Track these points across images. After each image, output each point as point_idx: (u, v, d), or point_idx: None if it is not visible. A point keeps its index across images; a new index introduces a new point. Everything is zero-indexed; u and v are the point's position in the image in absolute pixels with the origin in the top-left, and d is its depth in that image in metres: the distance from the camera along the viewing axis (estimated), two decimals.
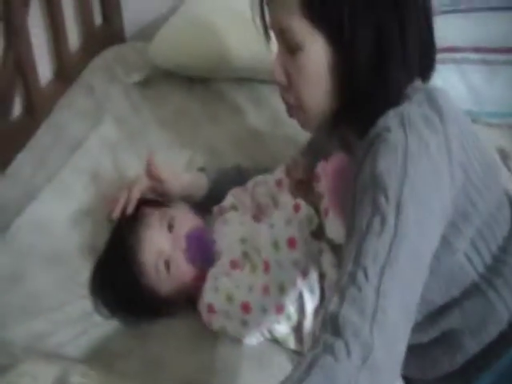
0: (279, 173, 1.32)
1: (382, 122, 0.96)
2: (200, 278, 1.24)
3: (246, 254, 1.23)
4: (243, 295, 1.17)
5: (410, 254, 0.86)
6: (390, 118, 0.95)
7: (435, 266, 0.93)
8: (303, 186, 1.23)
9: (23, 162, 1.62)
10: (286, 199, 1.20)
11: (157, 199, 1.38)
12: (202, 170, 1.47)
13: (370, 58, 0.97)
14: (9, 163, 1.62)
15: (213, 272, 1.23)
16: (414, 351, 0.92)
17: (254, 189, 1.36)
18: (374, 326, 0.79)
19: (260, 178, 1.37)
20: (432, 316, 1.07)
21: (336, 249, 1.16)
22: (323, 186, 1.19)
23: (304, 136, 1.58)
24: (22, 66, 1.75)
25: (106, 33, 2.32)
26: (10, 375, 1.00)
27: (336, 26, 0.96)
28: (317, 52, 0.99)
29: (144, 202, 1.33)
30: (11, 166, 1.60)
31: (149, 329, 1.24)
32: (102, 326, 1.23)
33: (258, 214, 1.32)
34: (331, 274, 1.16)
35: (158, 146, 1.69)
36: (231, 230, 1.28)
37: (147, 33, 2.28)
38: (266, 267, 1.16)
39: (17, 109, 1.78)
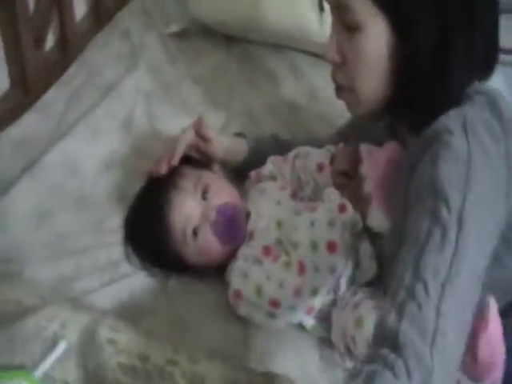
0: (321, 156, 1.27)
1: (442, 122, 0.91)
2: (227, 254, 1.22)
3: (279, 242, 1.19)
4: (273, 291, 1.12)
5: (469, 272, 0.83)
6: (452, 120, 0.91)
7: (485, 280, 0.90)
8: (347, 183, 1.19)
9: (54, 97, 1.58)
10: (332, 194, 1.15)
11: (197, 158, 1.34)
12: (240, 135, 1.43)
13: (433, 50, 0.92)
14: (39, 97, 1.59)
15: (244, 252, 1.19)
16: None
17: (294, 160, 1.32)
18: (434, 350, 0.77)
19: (301, 149, 1.32)
20: None
21: (373, 237, 1.14)
22: (368, 171, 1.16)
23: (338, 114, 1.59)
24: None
25: None
26: (39, 317, 0.98)
27: (402, 11, 0.91)
28: (377, 35, 0.93)
29: (184, 160, 1.29)
30: (42, 100, 1.57)
31: (176, 289, 1.22)
32: (130, 277, 1.20)
33: (297, 190, 1.29)
34: (367, 264, 1.14)
35: (192, 102, 1.66)
36: (268, 209, 1.23)
37: None
38: (301, 268, 1.11)
39: (49, 42, 1.74)
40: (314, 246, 1.11)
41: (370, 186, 1.14)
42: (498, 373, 0.96)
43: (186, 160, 1.29)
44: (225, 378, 0.97)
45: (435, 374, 0.76)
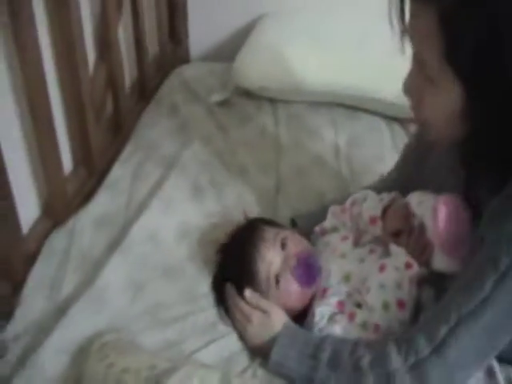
0: (374, 208, 1.35)
1: None
2: (306, 302, 1.31)
3: (350, 295, 1.27)
4: None
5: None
6: None
7: None
8: (400, 238, 1.27)
9: (119, 174, 1.68)
10: (398, 253, 1.23)
11: (274, 221, 1.45)
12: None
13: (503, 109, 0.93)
14: (104, 174, 1.69)
15: (321, 311, 1.25)
16: None
17: (352, 208, 1.41)
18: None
19: (357, 196, 1.42)
20: None
21: (436, 277, 1.21)
22: (427, 220, 1.22)
23: (388, 154, 1.71)
24: (113, 77, 1.83)
25: (174, 52, 2.39)
26: (180, 377, 1.04)
27: (475, 80, 0.91)
28: (450, 96, 0.95)
29: (259, 220, 1.41)
30: (109, 178, 1.67)
31: None
32: (228, 336, 1.28)
33: (359, 238, 1.38)
34: (429, 306, 1.21)
35: (247, 166, 1.77)
36: (334, 264, 1.32)
37: (212, 54, 2.38)
38: (377, 329, 1.19)
39: (105, 120, 1.84)
40: (386, 306, 1.20)
41: (430, 232, 1.20)
42: (465, 247, 1.10)
43: (264, 221, 1.41)
44: None
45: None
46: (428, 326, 1.05)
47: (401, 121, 1.97)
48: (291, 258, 1.31)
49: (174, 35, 2.40)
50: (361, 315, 1.22)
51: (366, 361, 1.09)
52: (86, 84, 1.59)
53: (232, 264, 1.35)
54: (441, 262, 1.18)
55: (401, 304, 1.19)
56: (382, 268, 1.24)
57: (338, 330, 1.22)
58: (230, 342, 1.27)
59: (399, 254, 1.23)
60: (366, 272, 1.27)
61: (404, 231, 1.26)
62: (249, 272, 1.30)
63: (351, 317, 1.23)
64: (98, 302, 1.30)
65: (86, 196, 1.63)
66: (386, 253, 1.28)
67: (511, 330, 1.01)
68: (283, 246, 1.33)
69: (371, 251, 1.32)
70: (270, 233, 1.34)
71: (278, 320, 1.24)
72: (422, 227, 1.22)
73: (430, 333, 1.03)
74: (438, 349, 1.01)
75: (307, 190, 1.71)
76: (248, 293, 1.29)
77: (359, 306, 1.25)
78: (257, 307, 1.28)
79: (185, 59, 2.43)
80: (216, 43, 2.44)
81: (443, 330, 1.01)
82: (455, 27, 0.87)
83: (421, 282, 1.21)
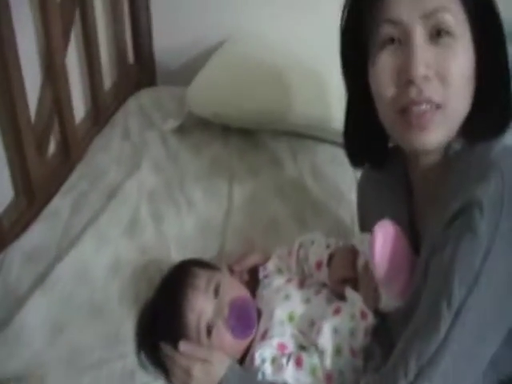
0: (320, 254, 1.29)
1: (476, 191, 0.90)
2: (240, 349, 1.23)
3: (295, 336, 1.20)
4: None
5: (454, 360, 0.90)
6: (488, 191, 0.90)
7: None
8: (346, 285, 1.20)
9: (60, 205, 1.61)
10: (354, 298, 1.16)
11: (208, 262, 1.37)
12: None
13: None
14: (45, 205, 1.62)
15: (261, 353, 1.19)
16: None
17: (298, 251, 1.35)
18: None
19: (305, 239, 1.35)
20: None
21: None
22: (371, 261, 1.16)
23: (346, 188, 1.63)
24: (59, 104, 1.76)
25: (138, 74, 2.34)
26: None
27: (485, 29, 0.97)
28: (469, 53, 0.97)
29: (195, 264, 1.33)
30: (48, 209, 1.60)
31: None
32: None
33: (303, 281, 1.31)
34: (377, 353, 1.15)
35: (195, 198, 1.69)
36: (277, 305, 1.25)
37: (178, 76, 2.32)
38: (329, 378, 1.13)
39: (52, 147, 1.78)
40: (339, 351, 1.13)
41: (378, 268, 1.12)
42: (403, 277, 1.05)
43: (197, 264, 1.33)
44: None
45: None
46: (387, 379, 0.96)
47: None
48: (224, 306, 1.22)
49: (138, 58, 2.34)
50: (308, 359, 1.14)
51: None
52: (23, 113, 1.52)
53: (162, 316, 1.26)
54: (387, 303, 1.10)
55: (353, 351, 1.12)
56: (336, 311, 1.17)
57: (286, 378, 1.14)
58: None
59: (355, 301, 1.15)
60: (315, 313, 1.20)
61: (350, 280, 1.20)
62: (179, 323, 1.22)
63: (299, 362, 1.15)
64: (13, 345, 1.22)
65: (24, 227, 1.56)
66: (333, 295, 1.23)
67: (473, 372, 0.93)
68: (216, 292, 1.25)
69: (317, 292, 1.25)
70: (201, 278, 1.26)
71: (221, 365, 1.16)
72: (366, 266, 1.15)
73: None
74: None
75: (259, 219, 1.63)
76: (182, 346, 1.20)
77: (303, 348, 1.18)
78: (195, 358, 1.19)
79: (150, 82, 2.37)
80: (181, 66, 2.38)
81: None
82: None
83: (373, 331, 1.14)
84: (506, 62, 0.99)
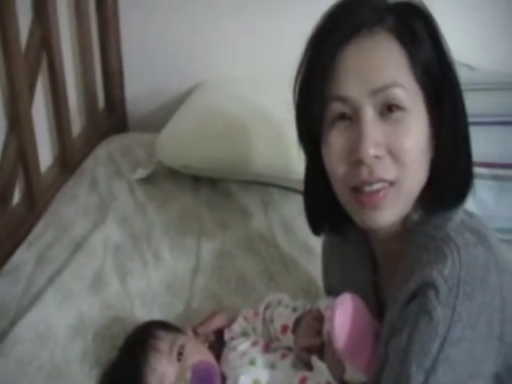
0: (286, 317, 1.25)
1: (432, 272, 0.88)
2: None
3: None
4: None
5: None
6: (442, 268, 0.88)
7: None
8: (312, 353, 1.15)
9: (22, 258, 1.57)
10: (320, 368, 1.10)
11: (172, 324, 1.33)
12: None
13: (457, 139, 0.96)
14: (8, 256, 1.58)
15: None
16: None
17: (264, 312, 1.31)
18: None
19: (272, 298, 1.32)
20: None
21: None
22: (331, 329, 1.13)
23: (314, 241, 1.58)
24: (24, 154, 1.72)
25: (109, 119, 2.31)
26: None
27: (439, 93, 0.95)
28: (419, 116, 0.94)
29: (159, 325, 1.29)
30: (11, 262, 1.55)
31: None
32: None
33: (269, 344, 1.27)
34: None
35: (162, 252, 1.66)
36: (242, 370, 1.20)
37: (150, 122, 2.30)
38: None
39: (16, 197, 1.74)
40: None
41: (339, 345, 1.10)
42: (366, 353, 1.01)
43: (161, 325, 1.29)
44: None
45: None
46: None
47: None
48: (187, 370, 1.18)
49: (108, 103, 2.32)
50: None
51: None
52: None
53: (123, 380, 1.21)
54: (352, 375, 1.06)
55: None
56: (302, 381, 1.12)
57: None
58: None
59: (322, 371, 1.10)
60: (281, 381, 1.15)
61: (316, 349, 1.15)
62: None
63: None
64: None
65: None
66: (299, 361, 1.18)
67: None
68: (179, 356, 1.21)
69: (283, 356, 1.21)
70: (164, 341, 1.22)
71: None
72: (329, 341, 1.10)
73: None
74: None
75: (228, 276, 1.60)
76: None
77: None
78: None
79: (121, 128, 2.35)
80: (153, 111, 2.36)
81: None
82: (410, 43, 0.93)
83: None
84: (466, 130, 0.98)
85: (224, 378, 1.22)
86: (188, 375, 1.18)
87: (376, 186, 0.93)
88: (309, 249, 1.66)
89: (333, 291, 1.25)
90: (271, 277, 1.59)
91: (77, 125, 2.09)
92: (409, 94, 0.93)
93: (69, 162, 1.97)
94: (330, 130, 0.97)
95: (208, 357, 1.25)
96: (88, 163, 1.98)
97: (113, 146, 2.08)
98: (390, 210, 0.95)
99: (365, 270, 1.16)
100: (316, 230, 1.16)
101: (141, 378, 1.18)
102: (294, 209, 1.82)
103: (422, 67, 0.94)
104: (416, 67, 0.93)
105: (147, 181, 1.90)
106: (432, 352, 0.85)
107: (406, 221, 1.00)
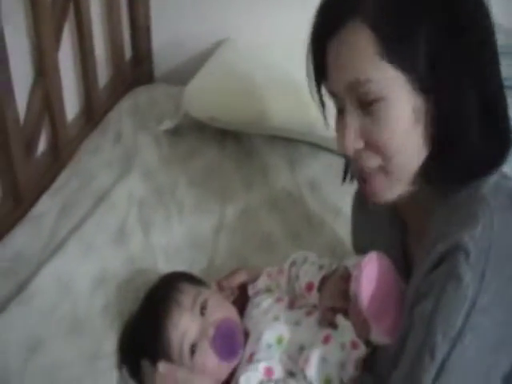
0: (312, 275, 1.22)
1: (461, 235, 0.84)
2: (224, 372, 1.17)
3: (282, 360, 1.14)
4: None
5: None
6: (474, 231, 0.84)
7: None
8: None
9: (46, 207, 1.55)
10: (345, 327, 1.09)
11: (196, 276, 1.31)
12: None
13: (458, 107, 0.89)
14: (31, 206, 1.56)
15: (247, 378, 1.12)
16: None
17: (290, 269, 1.28)
18: None
19: (298, 256, 1.29)
20: None
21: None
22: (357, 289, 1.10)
23: (342, 200, 1.55)
24: (50, 103, 1.70)
25: (135, 71, 2.27)
26: None
27: (421, 67, 0.87)
28: (401, 100, 0.89)
29: (184, 277, 1.27)
30: (33, 211, 1.54)
31: None
32: None
33: (294, 301, 1.25)
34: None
35: (186, 207, 1.64)
36: (266, 327, 1.18)
37: (176, 74, 2.26)
38: None
39: (41, 147, 1.72)
40: (327, 382, 1.07)
41: (365, 306, 1.06)
42: (391, 316, 0.99)
43: (185, 277, 1.27)
44: None
45: None
46: None
47: None
48: (210, 326, 1.16)
49: (135, 54, 2.28)
50: None
51: None
52: (10, 110, 1.46)
53: (144, 333, 1.20)
54: (377, 337, 1.03)
55: (343, 383, 1.06)
56: (326, 339, 1.10)
57: None
58: None
59: (346, 329, 1.08)
60: (305, 338, 1.13)
61: (341, 309, 1.12)
62: (161, 341, 1.16)
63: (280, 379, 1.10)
64: None
65: (9, 229, 1.49)
66: (324, 319, 1.15)
67: None
68: (203, 310, 1.19)
69: (308, 313, 1.18)
70: (187, 295, 1.20)
71: None
72: (355, 302, 1.07)
73: None
74: None
75: (252, 234, 1.57)
76: (161, 367, 1.15)
77: (292, 374, 1.11)
78: (174, 382, 1.14)
79: (148, 80, 2.31)
80: (180, 64, 2.31)
81: None
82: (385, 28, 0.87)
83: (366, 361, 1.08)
84: (494, 96, 0.91)
85: (247, 334, 1.21)
86: (210, 332, 1.16)
87: (366, 173, 0.97)
88: (336, 209, 1.62)
89: (361, 250, 1.21)
90: (296, 236, 1.56)
91: (103, 76, 2.06)
92: (381, 83, 0.89)
93: (94, 112, 1.95)
94: (336, 121, 0.99)
95: (231, 313, 1.23)
96: (113, 114, 1.95)
97: (139, 97, 2.04)
98: (386, 193, 0.97)
99: (393, 228, 1.13)
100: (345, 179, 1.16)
101: (162, 333, 1.17)
102: (322, 166, 1.78)
103: (407, 47, 0.87)
104: (394, 51, 0.87)
105: (173, 134, 1.87)
106: (458, 321, 0.82)
107: (420, 191, 0.97)
